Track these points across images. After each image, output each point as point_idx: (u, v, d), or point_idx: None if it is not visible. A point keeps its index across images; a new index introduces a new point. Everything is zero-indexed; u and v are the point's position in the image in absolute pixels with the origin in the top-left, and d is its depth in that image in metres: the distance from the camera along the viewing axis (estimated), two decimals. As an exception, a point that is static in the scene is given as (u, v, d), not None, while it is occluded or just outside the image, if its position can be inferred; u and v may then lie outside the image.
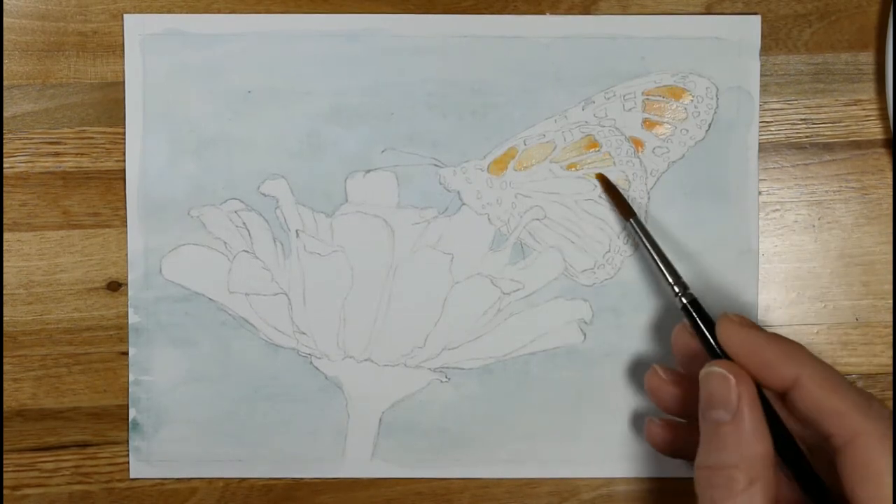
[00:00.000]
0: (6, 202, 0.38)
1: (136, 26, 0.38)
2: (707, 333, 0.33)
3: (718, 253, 0.38)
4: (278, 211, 0.38)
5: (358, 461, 0.38)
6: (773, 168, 0.38)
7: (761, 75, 0.38)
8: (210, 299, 0.38)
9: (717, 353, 0.33)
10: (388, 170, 0.38)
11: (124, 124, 0.38)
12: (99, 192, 0.38)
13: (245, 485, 0.38)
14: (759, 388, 0.31)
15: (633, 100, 0.38)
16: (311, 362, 0.38)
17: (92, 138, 0.38)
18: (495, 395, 0.38)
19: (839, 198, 0.38)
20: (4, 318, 0.38)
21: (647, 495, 0.38)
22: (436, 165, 0.38)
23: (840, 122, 0.38)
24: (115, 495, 0.38)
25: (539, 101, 0.38)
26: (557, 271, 0.38)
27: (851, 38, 0.38)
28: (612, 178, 0.38)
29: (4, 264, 0.38)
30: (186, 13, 0.38)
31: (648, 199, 0.38)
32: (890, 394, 0.38)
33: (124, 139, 0.38)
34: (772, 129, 0.38)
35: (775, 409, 0.32)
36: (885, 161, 0.38)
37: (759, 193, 0.38)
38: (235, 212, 0.38)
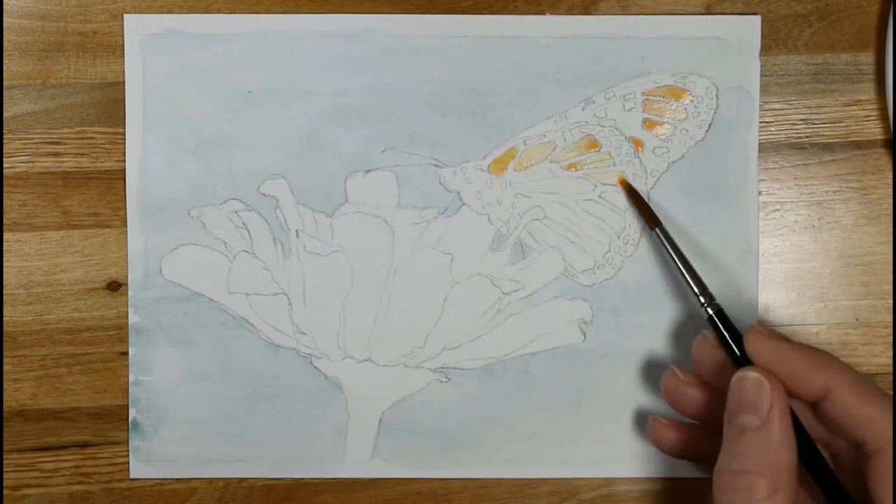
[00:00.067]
0: (6, 202, 0.38)
1: (136, 26, 0.38)
2: (733, 345, 0.33)
3: (718, 253, 0.38)
4: (278, 211, 0.38)
5: (358, 461, 0.38)
6: (773, 168, 0.38)
7: (761, 75, 0.38)
8: (210, 299, 0.38)
9: (743, 363, 0.32)
10: (388, 170, 0.38)
11: (124, 124, 0.38)
12: (99, 193, 0.38)
13: (245, 485, 0.38)
14: None
15: (633, 100, 0.38)
16: (311, 362, 0.38)
17: (92, 138, 0.38)
18: (495, 395, 0.38)
19: (839, 198, 0.38)
20: (4, 318, 0.38)
21: (648, 495, 0.38)
22: (436, 165, 0.38)
23: (840, 122, 0.38)
24: (115, 495, 0.38)
25: (539, 101, 0.38)
26: (557, 271, 0.38)
27: (851, 38, 0.38)
28: (612, 178, 0.38)
29: (4, 264, 0.38)
30: (186, 13, 0.38)
31: (648, 199, 0.38)
32: (890, 394, 0.38)
33: (124, 139, 0.38)
34: (772, 129, 0.38)
35: (800, 418, 0.32)
36: (885, 161, 0.38)
37: (759, 193, 0.38)
38: (235, 212, 0.38)
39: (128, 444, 0.38)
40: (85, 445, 0.38)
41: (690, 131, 0.38)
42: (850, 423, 0.30)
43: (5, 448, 0.38)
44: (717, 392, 0.34)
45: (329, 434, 0.38)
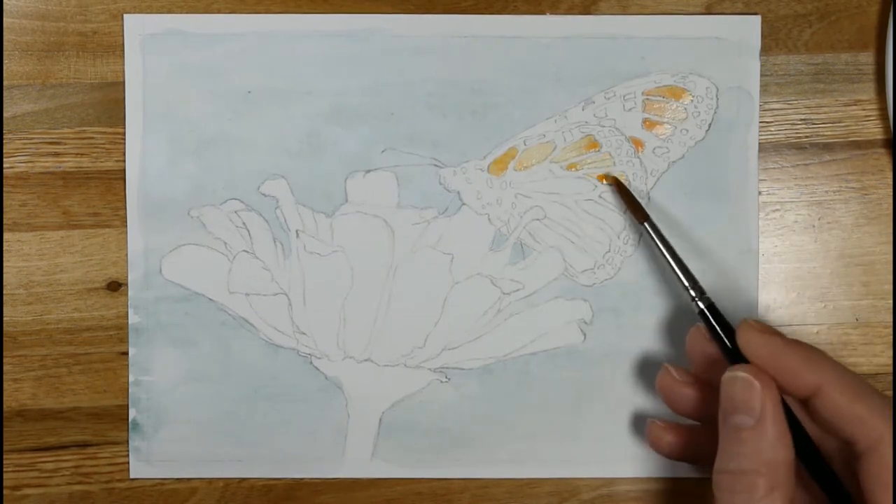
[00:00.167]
0: (6, 202, 0.38)
1: (136, 26, 0.38)
2: (725, 338, 0.33)
3: (718, 253, 0.38)
4: (278, 211, 0.38)
5: (358, 461, 0.38)
6: (773, 168, 0.38)
7: (761, 75, 0.38)
8: (210, 299, 0.38)
9: (735, 357, 0.33)
10: (388, 170, 0.38)
11: (124, 124, 0.38)
12: (99, 193, 0.38)
13: (245, 485, 0.38)
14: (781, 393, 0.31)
15: (633, 100, 0.38)
16: (311, 362, 0.38)
17: (92, 138, 0.38)
18: (495, 395, 0.38)
19: (839, 198, 0.38)
20: (4, 318, 0.38)
21: (648, 495, 0.38)
22: (436, 165, 0.38)
23: (840, 122, 0.38)
24: (115, 495, 0.38)
25: (539, 101, 0.38)
26: (557, 271, 0.38)
27: (851, 38, 0.38)
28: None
29: (4, 264, 0.38)
30: (186, 13, 0.38)
31: (648, 199, 0.38)
32: (890, 394, 0.38)
33: (124, 139, 0.38)
34: (772, 129, 0.38)
35: (796, 414, 0.32)
36: (885, 161, 0.38)
37: (759, 193, 0.38)
38: (235, 212, 0.38)
39: (128, 444, 0.38)
40: (85, 445, 0.38)
41: (690, 131, 0.38)
42: (840, 422, 0.30)
43: (5, 448, 0.38)
44: (711, 389, 0.34)
45: (329, 434, 0.38)
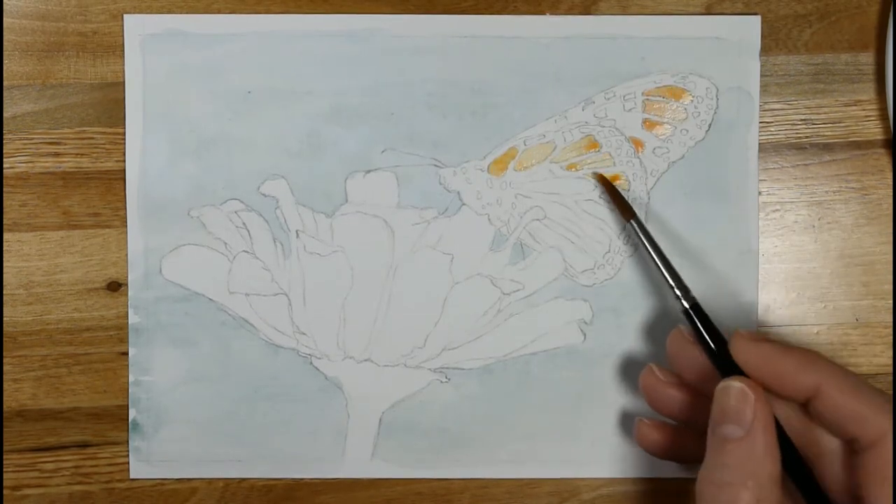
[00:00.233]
0: (6, 202, 0.38)
1: (136, 26, 0.38)
2: (709, 339, 0.33)
3: (718, 253, 0.38)
4: (278, 211, 0.38)
5: (358, 461, 0.38)
6: (773, 168, 0.38)
7: (761, 75, 0.38)
8: (210, 299, 0.38)
9: (718, 358, 0.33)
10: (388, 170, 0.38)
11: (124, 124, 0.38)
12: (99, 193, 0.38)
13: (245, 485, 0.38)
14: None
15: (633, 100, 0.38)
16: (311, 362, 0.38)
17: (92, 138, 0.38)
18: (495, 395, 0.38)
19: (839, 198, 0.38)
20: (4, 319, 0.38)
21: (648, 496, 0.38)
22: (436, 166, 0.38)
23: (840, 122, 0.38)
24: (115, 496, 0.38)
25: (539, 101, 0.38)
26: (557, 271, 0.38)
27: (851, 39, 0.38)
28: (612, 178, 0.38)
29: (4, 264, 0.38)
30: (186, 13, 0.38)
31: (648, 199, 0.38)
32: (890, 394, 0.38)
33: (124, 139, 0.38)
34: (772, 129, 0.38)
35: (790, 417, 0.32)
36: (885, 161, 0.38)
37: (759, 194, 0.38)
38: (235, 212, 0.38)
39: (128, 444, 0.38)
40: (85, 445, 0.38)
41: (690, 131, 0.38)
42: (841, 420, 0.30)
43: (5, 448, 0.38)
44: (694, 391, 0.34)
45: (329, 434, 0.38)
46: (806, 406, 0.31)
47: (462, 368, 0.38)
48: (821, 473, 0.32)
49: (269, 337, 0.38)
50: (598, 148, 0.38)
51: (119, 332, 0.38)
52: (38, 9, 0.38)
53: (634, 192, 0.38)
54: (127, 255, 0.38)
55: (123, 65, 0.38)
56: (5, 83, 0.38)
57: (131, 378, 0.38)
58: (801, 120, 0.38)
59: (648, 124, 0.38)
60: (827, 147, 0.38)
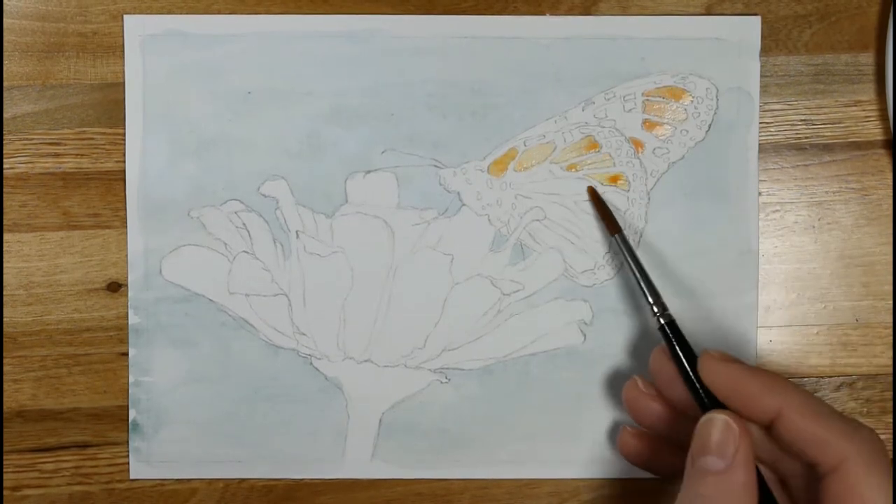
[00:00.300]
0: (6, 203, 0.38)
1: (136, 27, 0.38)
2: (682, 356, 0.33)
3: (718, 254, 0.38)
4: (278, 212, 0.38)
5: (358, 462, 0.38)
6: (773, 169, 0.38)
7: (761, 76, 0.38)
8: (210, 300, 0.38)
9: (686, 374, 0.33)
10: (388, 170, 0.38)
11: (124, 125, 0.38)
12: (99, 193, 0.38)
13: (245, 485, 0.38)
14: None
15: (633, 101, 0.38)
16: (311, 363, 0.38)
17: (92, 139, 0.38)
18: (495, 395, 0.38)
19: (839, 199, 0.38)
20: (4, 319, 0.38)
21: (647, 496, 0.38)
22: (436, 166, 0.38)
23: (840, 122, 0.38)
24: (115, 496, 0.38)
25: (539, 101, 0.38)
26: (557, 272, 0.38)
27: (851, 39, 0.38)
28: (612, 178, 0.38)
29: (4, 265, 0.38)
30: (186, 14, 0.38)
31: (648, 199, 0.38)
32: (890, 394, 0.38)
33: (124, 140, 0.38)
34: (772, 129, 0.38)
35: (756, 441, 0.32)
36: (885, 162, 0.38)
37: (759, 194, 0.38)
38: (235, 212, 0.38)
39: (128, 444, 0.38)
40: (85, 446, 0.38)
41: (690, 132, 0.38)
42: (802, 444, 0.30)
43: (5, 448, 0.38)
44: (676, 406, 0.34)
45: (329, 435, 0.38)
46: (769, 429, 0.31)
47: (462, 369, 0.38)
48: (786, 498, 0.32)
49: (269, 337, 0.38)
50: (598, 148, 0.38)
51: (119, 333, 0.38)
52: (38, 9, 0.38)
53: (634, 192, 0.38)
54: (127, 255, 0.38)
55: (123, 65, 0.38)
56: (5, 83, 0.38)
57: (131, 378, 0.38)
58: (801, 120, 0.38)
59: (648, 125, 0.38)
60: (827, 147, 0.38)
